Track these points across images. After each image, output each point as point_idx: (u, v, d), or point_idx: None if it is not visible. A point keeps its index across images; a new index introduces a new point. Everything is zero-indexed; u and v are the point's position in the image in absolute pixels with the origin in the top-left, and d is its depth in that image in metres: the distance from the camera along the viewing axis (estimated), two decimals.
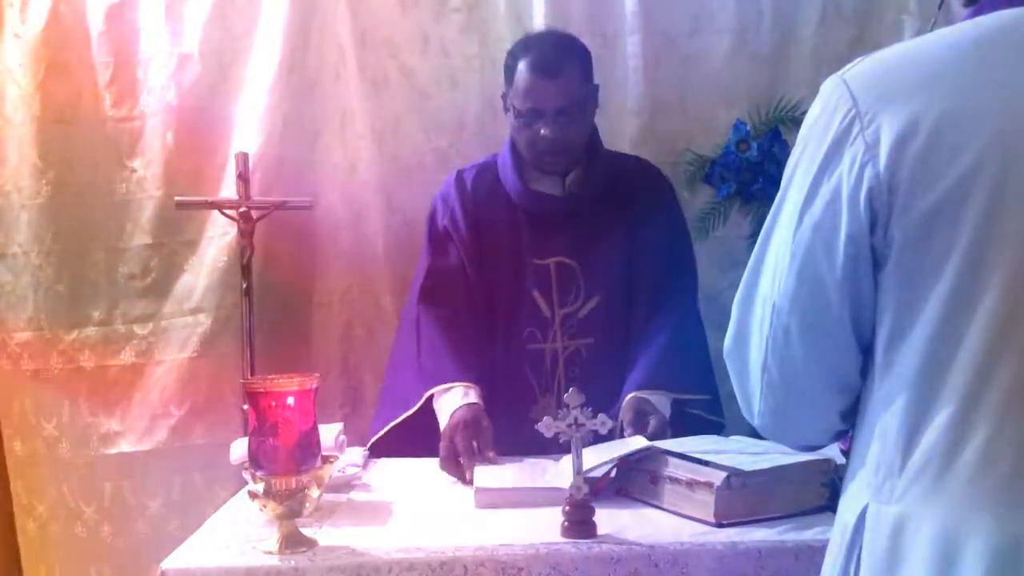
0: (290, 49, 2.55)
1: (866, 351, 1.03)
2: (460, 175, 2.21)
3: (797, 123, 2.54)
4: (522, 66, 2.03)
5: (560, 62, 2.02)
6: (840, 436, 1.14)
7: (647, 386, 1.97)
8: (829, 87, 1.02)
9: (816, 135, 1.01)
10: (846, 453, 1.43)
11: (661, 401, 1.98)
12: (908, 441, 0.96)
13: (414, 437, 2.04)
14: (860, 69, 1.01)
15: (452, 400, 1.94)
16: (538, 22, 2.52)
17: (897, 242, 0.95)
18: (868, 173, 0.95)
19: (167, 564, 1.37)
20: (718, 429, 2.11)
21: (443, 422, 1.92)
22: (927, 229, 0.94)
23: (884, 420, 0.98)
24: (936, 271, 0.94)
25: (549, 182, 2.14)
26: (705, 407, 2.09)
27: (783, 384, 1.06)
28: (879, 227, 0.96)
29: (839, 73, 1.02)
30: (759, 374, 1.07)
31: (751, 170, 2.55)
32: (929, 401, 0.95)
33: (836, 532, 1.05)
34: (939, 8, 1.13)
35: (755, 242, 2.73)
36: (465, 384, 1.96)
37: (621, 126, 2.50)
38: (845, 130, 0.98)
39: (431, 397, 1.97)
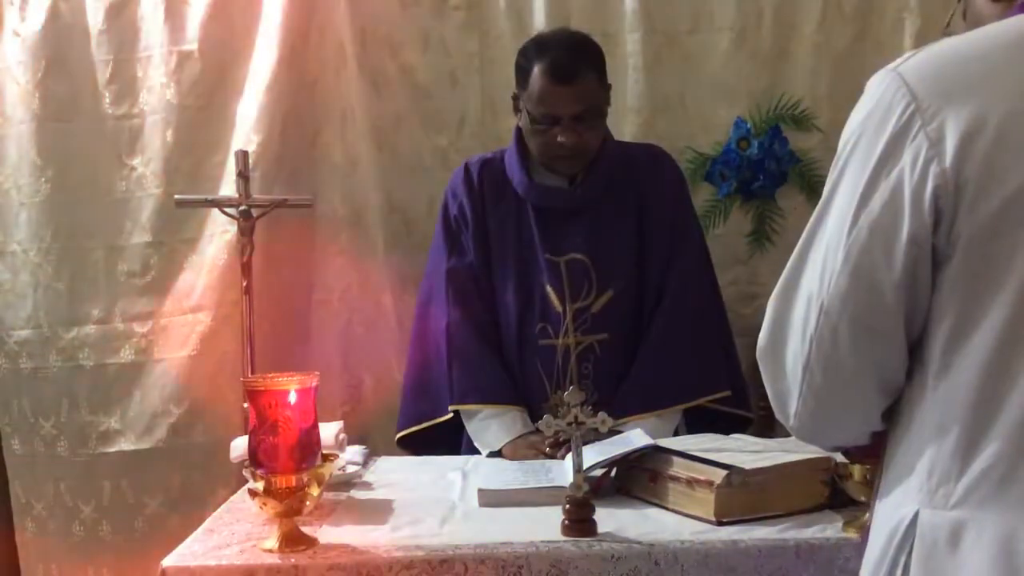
0: (290, 47, 2.54)
1: (911, 351, 1.00)
2: (467, 167, 2.18)
3: (797, 121, 2.54)
4: (537, 70, 1.97)
5: (577, 67, 1.97)
6: (875, 437, 1.10)
7: (628, 412, 1.93)
8: (883, 81, 0.98)
9: (870, 130, 0.97)
10: (846, 453, 1.43)
11: (653, 422, 1.95)
12: (969, 445, 0.93)
13: (442, 434, 2.10)
14: (915, 63, 0.97)
15: (508, 426, 2.00)
16: (538, 20, 2.52)
17: (963, 241, 0.93)
18: (933, 170, 0.92)
19: (167, 562, 1.37)
20: (745, 423, 2.12)
21: (496, 439, 1.99)
22: (994, 229, 0.91)
23: (941, 423, 0.95)
24: (1004, 270, 0.91)
25: (555, 177, 2.11)
26: (725, 401, 2.07)
27: (826, 386, 1.02)
28: (943, 226, 0.93)
29: (891, 67, 0.98)
30: (799, 375, 1.03)
31: (752, 168, 2.55)
32: (994, 403, 0.92)
33: (877, 538, 1.01)
34: (958, 1, 1.12)
35: (756, 240, 2.76)
36: (520, 409, 2.02)
37: (621, 124, 2.49)
38: (905, 126, 0.94)
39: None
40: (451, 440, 2.11)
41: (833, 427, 1.09)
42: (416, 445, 2.14)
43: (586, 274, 2.08)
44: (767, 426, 2.51)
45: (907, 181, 0.94)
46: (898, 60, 0.99)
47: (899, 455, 1.01)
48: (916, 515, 0.96)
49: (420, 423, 2.11)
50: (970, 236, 0.92)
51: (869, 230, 0.96)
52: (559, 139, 1.99)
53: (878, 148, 0.96)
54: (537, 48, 2.03)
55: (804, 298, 1.02)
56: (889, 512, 1.00)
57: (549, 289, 2.09)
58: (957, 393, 0.94)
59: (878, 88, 0.98)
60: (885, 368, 1.01)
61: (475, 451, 2.03)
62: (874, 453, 1.35)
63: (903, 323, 0.98)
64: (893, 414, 1.04)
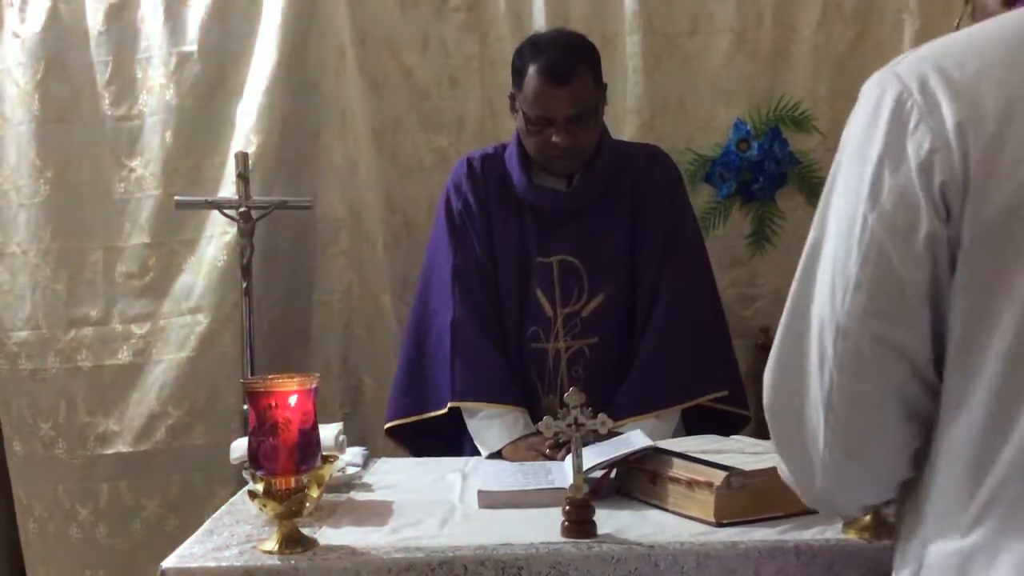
0: (290, 48, 2.55)
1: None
2: (470, 162, 2.17)
3: (797, 122, 2.55)
4: (532, 71, 1.97)
5: (572, 68, 1.96)
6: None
7: (627, 413, 1.93)
8: (878, 81, 0.93)
9: (863, 131, 0.92)
10: None
11: (652, 423, 1.95)
12: (978, 467, 0.86)
13: (438, 429, 2.09)
14: (910, 60, 0.92)
15: (510, 426, 1.99)
16: (538, 22, 2.52)
17: (967, 238, 0.86)
18: (939, 163, 0.86)
19: (167, 564, 1.37)
20: (742, 422, 2.12)
21: (496, 439, 1.99)
22: (1004, 225, 0.85)
23: (951, 448, 0.89)
24: (1011, 275, 0.85)
25: (554, 178, 2.11)
26: (723, 400, 2.07)
27: (851, 422, 0.93)
28: (953, 221, 0.87)
29: (886, 68, 0.93)
30: (822, 416, 0.94)
31: (751, 169, 2.55)
32: (1005, 420, 0.85)
33: None
34: (966, 2, 1.09)
35: (756, 241, 2.77)
36: (522, 410, 2.01)
37: (621, 125, 2.50)
38: (903, 121, 0.89)
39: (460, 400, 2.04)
40: (446, 437, 2.10)
41: (863, 476, 0.98)
42: (408, 438, 2.14)
43: (577, 277, 2.09)
44: (767, 428, 2.51)
45: (916, 176, 0.87)
46: (893, 61, 0.94)
47: (917, 490, 0.94)
48: (926, 551, 0.90)
49: (410, 416, 2.11)
50: (974, 233, 0.86)
51: (885, 231, 0.89)
52: (554, 140, 1.99)
53: (875, 148, 0.90)
54: (532, 49, 2.02)
55: (817, 326, 0.94)
56: (909, 551, 0.94)
57: (539, 293, 2.09)
58: (969, 413, 0.88)
59: (872, 89, 0.93)
60: (913, 392, 0.92)
61: (478, 452, 2.03)
62: None
63: (929, 334, 0.90)
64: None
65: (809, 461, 0.97)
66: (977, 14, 1.08)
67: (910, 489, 0.97)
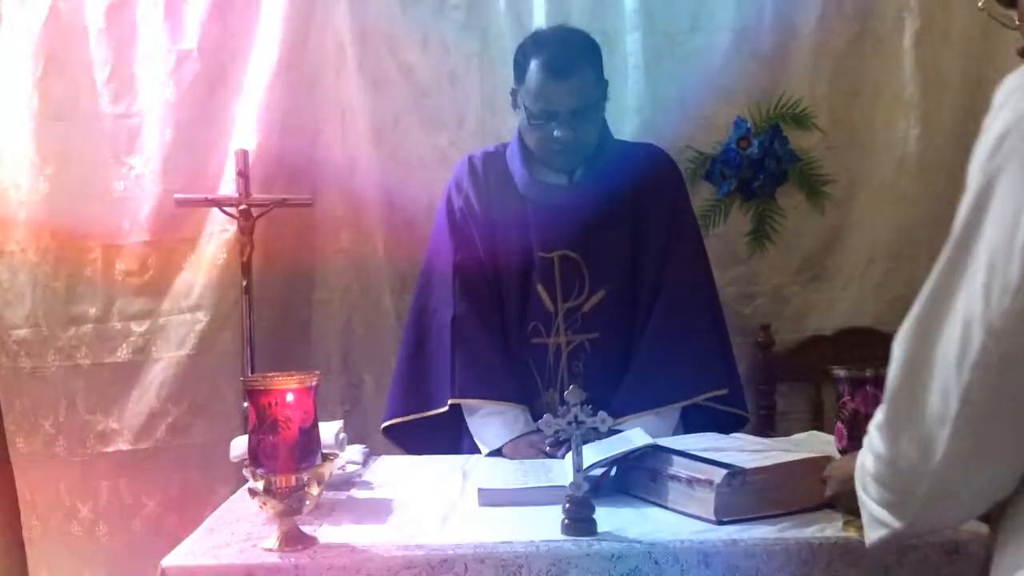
0: (289, 46, 2.54)
1: None
2: (471, 161, 2.19)
3: (797, 120, 2.55)
4: (534, 66, 2.00)
5: (573, 63, 1.99)
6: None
7: (626, 411, 1.94)
8: None
9: None
10: (843, 452, 1.42)
11: (651, 421, 1.96)
12: None
13: (434, 427, 2.09)
14: None
15: (510, 424, 2.00)
16: (538, 20, 2.52)
17: None
18: None
19: (167, 562, 1.37)
20: (740, 422, 2.12)
21: (497, 436, 1.99)
22: None
23: None
24: None
25: (556, 174, 2.12)
26: (722, 400, 2.07)
27: (987, 418, 0.91)
28: None
29: None
30: (954, 409, 0.91)
31: (752, 167, 2.55)
32: None
33: None
34: None
35: (756, 239, 2.76)
36: (523, 408, 2.02)
37: (621, 123, 2.49)
38: None
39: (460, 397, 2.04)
40: (442, 435, 2.10)
41: (987, 467, 0.96)
42: (404, 437, 2.14)
43: (578, 272, 2.09)
44: (767, 426, 2.52)
45: None
46: None
47: None
48: None
49: (411, 414, 2.11)
50: None
51: None
52: (555, 134, 2.00)
53: None
54: (534, 44, 2.05)
55: (959, 322, 0.91)
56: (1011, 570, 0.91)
57: (540, 288, 2.09)
58: None
59: (1021, 89, 0.89)
60: None
61: (477, 450, 2.03)
62: None
63: None
64: None
65: (930, 447, 0.95)
66: None
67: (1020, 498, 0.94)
